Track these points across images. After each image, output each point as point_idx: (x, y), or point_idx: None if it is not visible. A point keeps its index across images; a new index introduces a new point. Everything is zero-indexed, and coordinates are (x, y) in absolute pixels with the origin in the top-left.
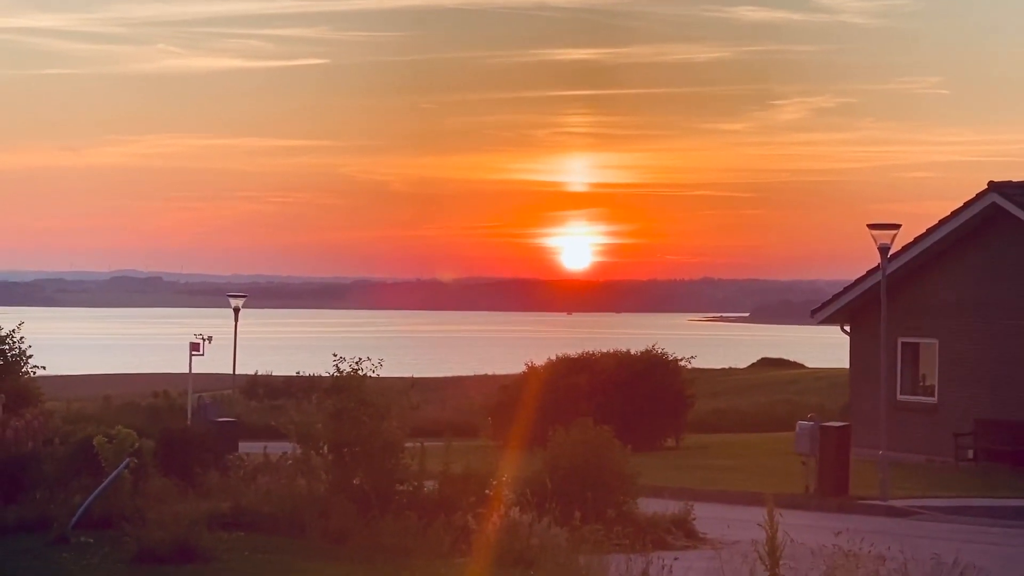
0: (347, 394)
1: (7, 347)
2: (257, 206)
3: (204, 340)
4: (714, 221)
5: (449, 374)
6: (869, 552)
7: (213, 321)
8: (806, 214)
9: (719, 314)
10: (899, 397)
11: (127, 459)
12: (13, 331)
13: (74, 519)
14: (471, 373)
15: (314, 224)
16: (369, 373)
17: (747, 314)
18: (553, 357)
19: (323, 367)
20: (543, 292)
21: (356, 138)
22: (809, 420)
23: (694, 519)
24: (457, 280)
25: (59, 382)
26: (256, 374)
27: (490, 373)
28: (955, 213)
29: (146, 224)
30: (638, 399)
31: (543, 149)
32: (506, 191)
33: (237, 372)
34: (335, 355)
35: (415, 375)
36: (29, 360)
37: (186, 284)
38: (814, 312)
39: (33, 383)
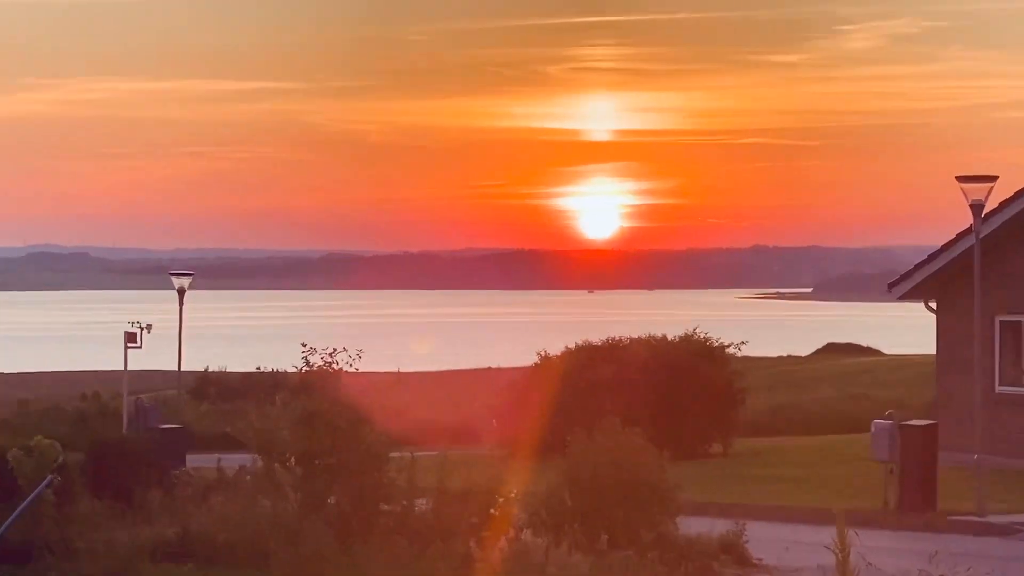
0: (319, 393)
1: None
2: (205, 164)
3: (142, 329)
4: (768, 176)
5: (444, 368)
6: None
7: (153, 306)
8: (881, 166)
9: (775, 290)
10: (998, 389)
11: (49, 477)
12: None
13: None
14: (471, 366)
15: (275, 185)
16: (346, 367)
17: (809, 289)
18: (572, 345)
19: (289, 361)
20: (558, 266)
21: (327, 78)
22: (887, 418)
23: (747, 542)
24: (449, 252)
25: None
26: (207, 371)
27: (494, 366)
28: None
29: (69, 188)
30: (677, 395)
31: (557, 89)
32: (512, 142)
33: (183, 368)
34: (304, 346)
35: (401, 369)
36: None
37: (119, 261)
38: (892, 286)
39: None
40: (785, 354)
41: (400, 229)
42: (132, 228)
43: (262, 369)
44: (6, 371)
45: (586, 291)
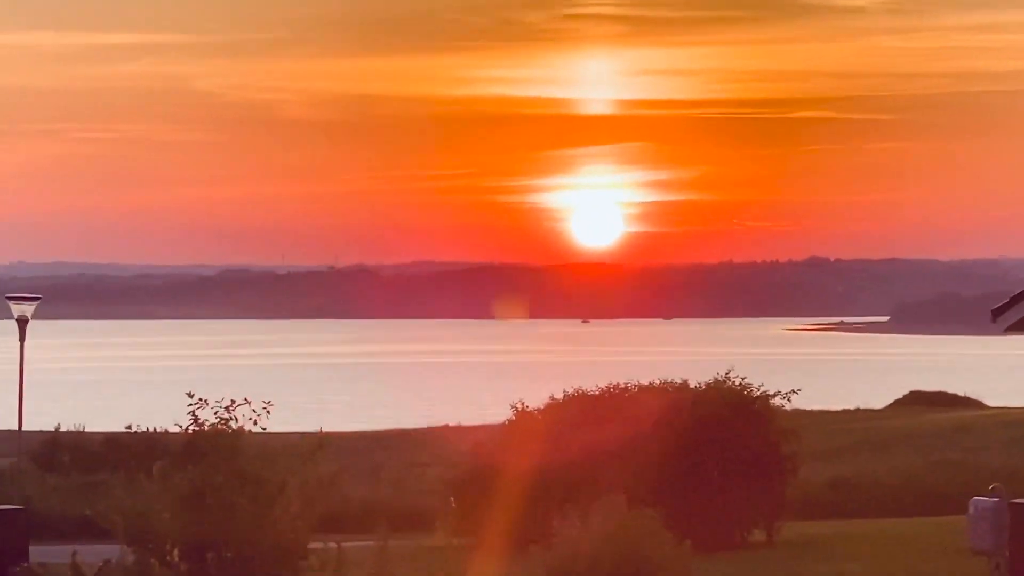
0: (212, 461)
1: None
2: (57, 147)
3: None
4: (827, 163)
5: (385, 426)
6: None
7: None
8: (985, 150)
9: (838, 319)
10: None
11: None
12: None
13: None
14: (421, 424)
15: (153, 177)
16: (249, 426)
17: (885, 318)
18: (559, 395)
19: (171, 416)
20: (541, 286)
21: (223, 29)
22: (991, 495)
23: None
24: (392, 267)
25: None
26: (58, 430)
27: (454, 423)
28: None
29: None
30: (703, 464)
31: (540, 45)
32: (479, 117)
33: (25, 428)
34: (191, 397)
35: (325, 428)
36: None
37: None
38: (997, 313)
39: None
40: (852, 407)
41: (324, 236)
42: None
43: (134, 428)
44: None
45: (579, 320)
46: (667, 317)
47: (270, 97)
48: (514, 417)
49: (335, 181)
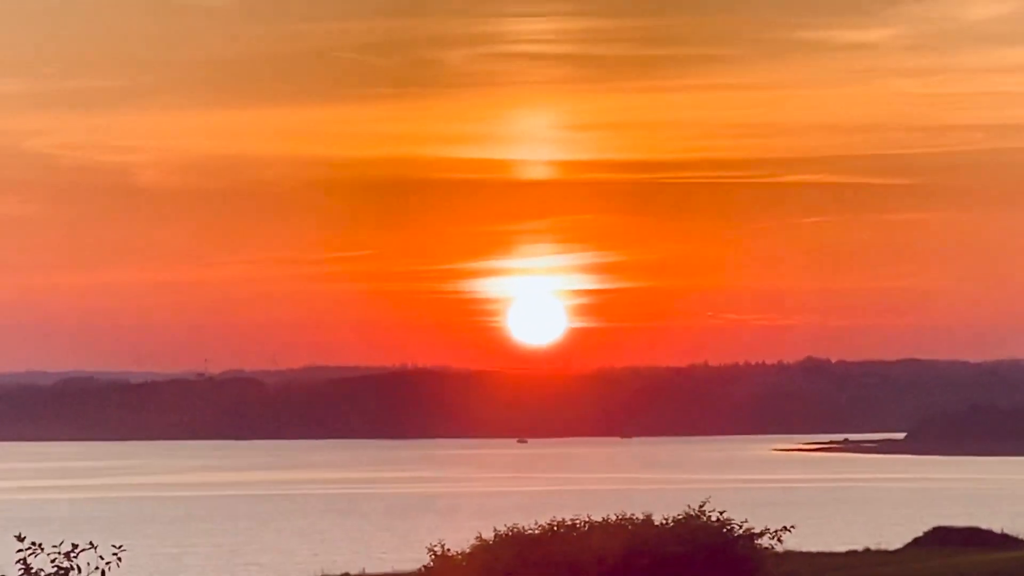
0: None
1: None
2: None
3: None
4: (827, 238)
5: (270, 575)
6: None
7: None
8: (1022, 221)
9: (842, 436)
10: None
11: None
12: None
13: None
14: (314, 574)
15: None
16: None
17: (901, 435)
18: (489, 534)
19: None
20: (468, 395)
21: (63, 75)
22: None
23: None
24: (279, 375)
25: None
26: None
27: (354, 572)
28: None
29: None
30: None
31: (463, 92)
32: (386, 182)
33: None
34: (20, 539)
35: None
36: None
37: None
38: None
39: None
40: (860, 547)
41: (193, 336)
42: None
43: None
44: None
45: (515, 439)
46: (625, 435)
47: (122, 159)
48: (432, 563)
49: (206, 266)
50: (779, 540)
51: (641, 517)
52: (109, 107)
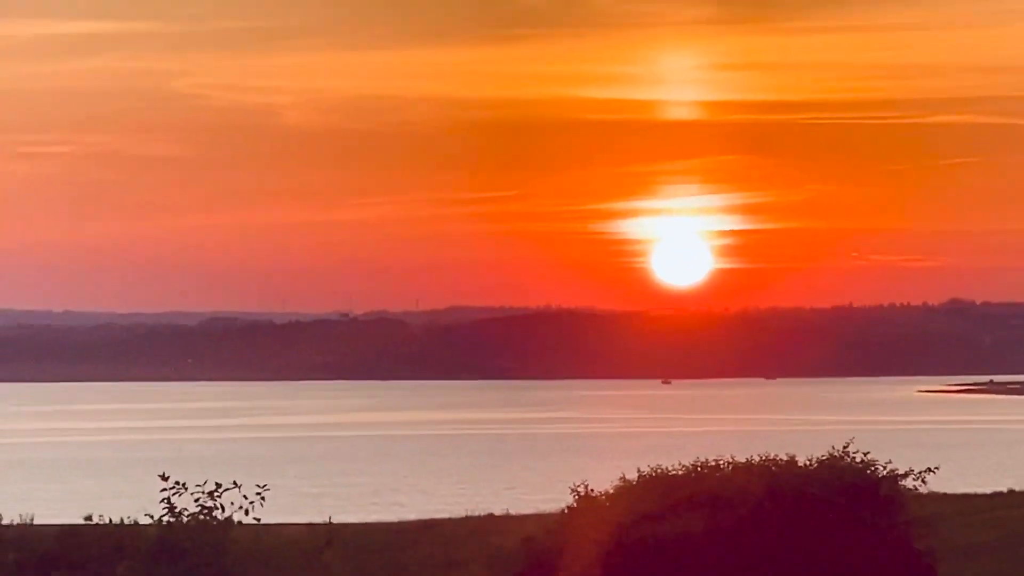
0: (193, 562)
1: None
2: (3, 165)
3: None
4: (972, 179)
5: (409, 515)
6: None
7: None
8: None
9: (987, 378)
10: None
11: None
12: None
13: None
14: (456, 512)
15: (120, 202)
16: (239, 516)
17: None
18: (632, 474)
19: (141, 504)
20: (612, 337)
21: (209, 17)
22: None
23: None
24: (422, 315)
25: None
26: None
27: (498, 512)
28: None
29: None
30: (815, 563)
31: (610, 33)
32: (532, 123)
33: None
34: (165, 479)
35: (334, 518)
36: None
37: None
38: None
39: None
40: (1006, 489)
41: (336, 277)
42: None
43: (95, 520)
44: None
45: (659, 381)
46: (769, 377)
47: (268, 100)
48: (575, 503)
49: (349, 207)
50: (923, 481)
51: (784, 458)
52: (256, 48)
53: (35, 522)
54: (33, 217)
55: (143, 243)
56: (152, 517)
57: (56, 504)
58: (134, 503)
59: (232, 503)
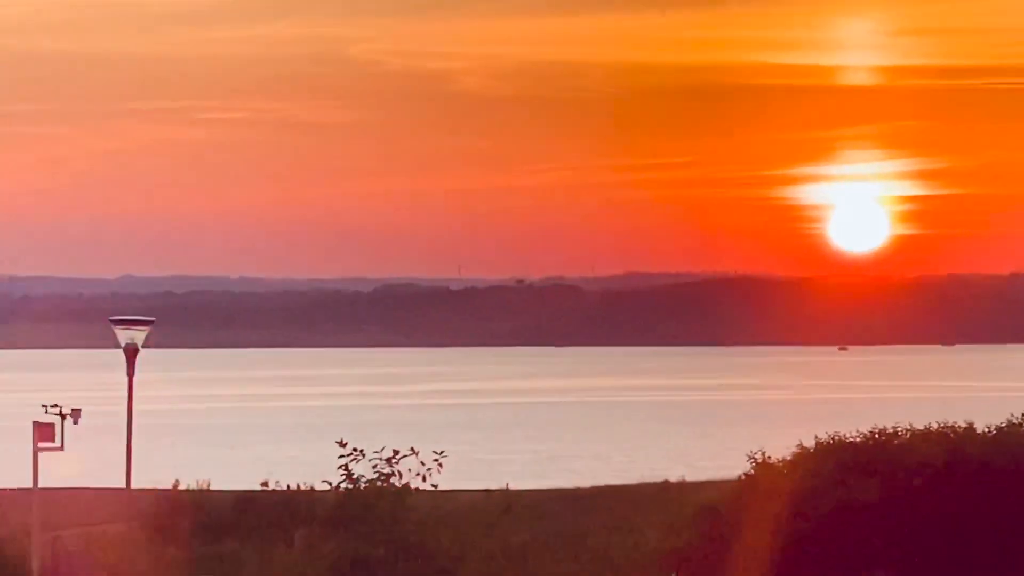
0: (370, 528)
1: None
2: (171, 131)
3: (63, 418)
4: None
5: (587, 482)
6: None
7: (79, 376)
8: None
9: None
10: None
11: None
12: None
13: None
14: (632, 479)
15: (295, 168)
16: (416, 482)
17: None
18: (810, 441)
19: (317, 470)
20: (789, 303)
21: None
22: None
23: None
24: (598, 282)
25: None
26: (176, 488)
27: (674, 479)
28: None
29: None
30: (997, 533)
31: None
32: (708, 89)
33: (136, 485)
34: (342, 445)
35: (512, 485)
36: None
37: (17, 300)
38: None
39: None
40: None
41: (512, 243)
42: (41, 242)
43: (271, 486)
44: None
45: (836, 347)
46: (946, 343)
47: (443, 66)
48: (752, 471)
49: (525, 173)
50: None
51: (963, 425)
52: (432, 14)
53: (211, 487)
54: (209, 183)
55: (319, 209)
56: (330, 483)
57: (232, 470)
58: (310, 469)
59: (409, 469)
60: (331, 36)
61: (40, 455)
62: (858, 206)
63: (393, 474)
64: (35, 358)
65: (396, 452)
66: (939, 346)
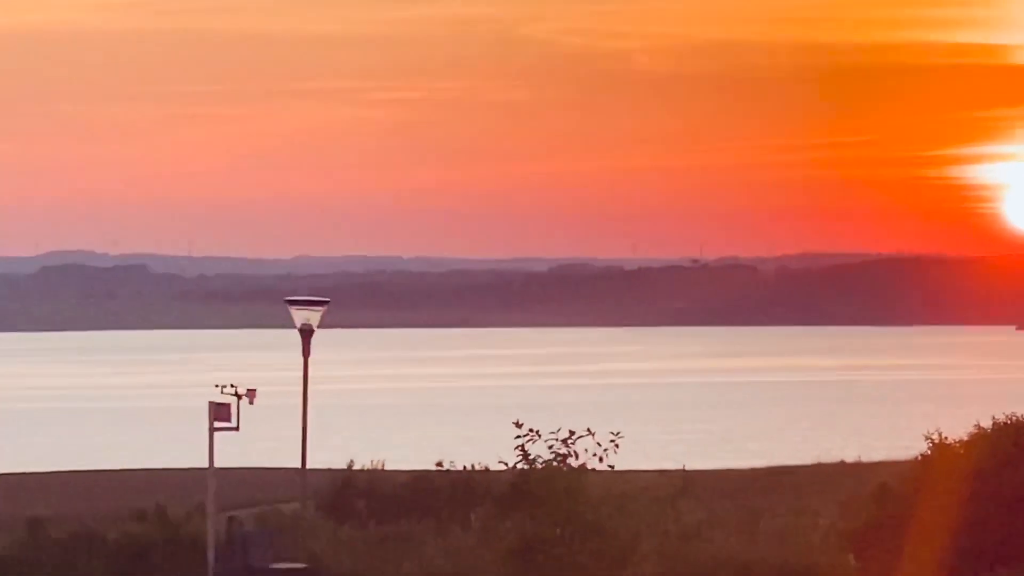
0: (546, 508)
1: None
2: (346, 111)
3: (238, 398)
4: None
5: (760, 463)
6: None
7: (255, 356)
8: None
9: None
10: None
11: None
12: None
13: None
14: (807, 459)
15: (469, 148)
16: (593, 463)
17: None
18: (987, 422)
19: (493, 451)
20: (965, 282)
21: None
22: None
23: None
24: (773, 261)
25: None
26: (351, 469)
27: (850, 459)
28: None
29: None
30: None
31: None
32: (886, 68)
33: (311, 465)
34: (518, 426)
35: (687, 465)
36: None
37: (193, 279)
38: None
39: None
40: None
41: (686, 222)
42: (217, 222)
43: (446, 466)
44: (5, 470)
45: (1012, 327)
46: None
47: (619, 45)
48: (929, 451)
49: (699, 153)
50: None
51: None
52: None
53: (385, 468)
54: (385, 164)
55: (493, 189)
56: (506, 464)
57: (407, 450)
58: (484, 449)
59: (586, 450)
60: (508, 16)
61: (216, 435)
62: None
63: (569, 455)
64: (210, 338)
65: (572, 433)
66: None
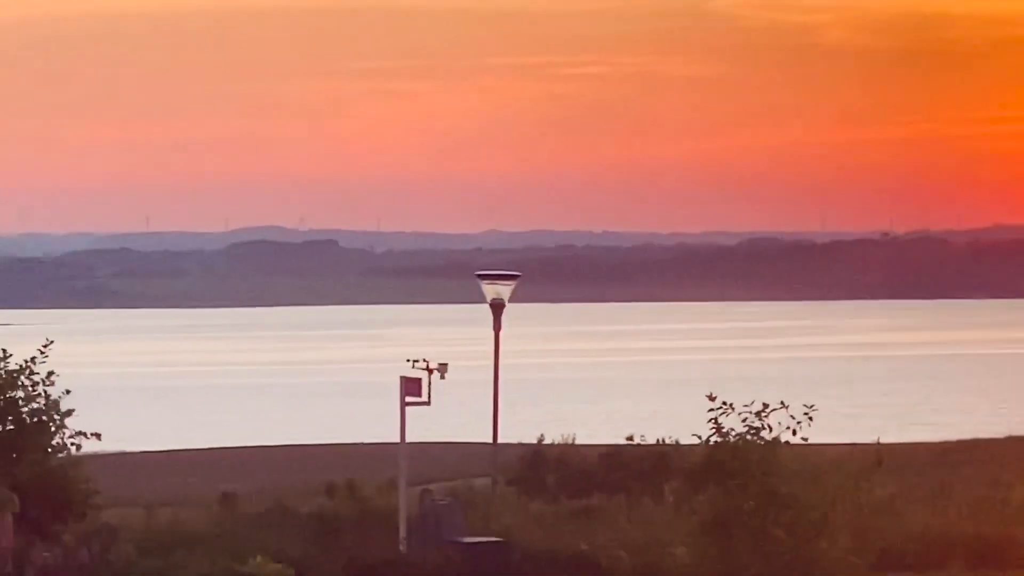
0: (740, 482)
1: (22, 397)
2: (535, 86)
3: (430, 372)
4: None
5: (956, 435)
6: None
7: (445, 332)
8: None
9: None
10: None
11: None
12: (30, 363)
13: None
14: (998, 434)
15: (658, 123)
16: (786, 436)
17: None
18: None
19: (685, 424)
20: None
21: None
22: None
23: None
24: (965, 234)
25: (128, 464)
26: (541, 443)
27: None
28: None
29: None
30: None
31: None
32: None
33: (502, 440)
34: (712, 399)
35: (882, 439)
36: (65, 422)
37: (383, 255)
38: None
39: (77, 469)
40: None
41: (877, 195)
42: (405, 196)
43: (637, 440)
44: (195, 447)
45: None
46: None
47: (809, 19)
48: None
49: (890, 125)
50: None
51: None
52: None
53: (576, 443)
54: (572, 138)
55: (682, 163)
56: (698, 437)
57: (596, 425)
58: (674, 423)
59: (779, 423)
60: None
61: (407, 409)
62: None
63: (763, 427)
64: (399, 313)
65: (765, 406)
66: None
